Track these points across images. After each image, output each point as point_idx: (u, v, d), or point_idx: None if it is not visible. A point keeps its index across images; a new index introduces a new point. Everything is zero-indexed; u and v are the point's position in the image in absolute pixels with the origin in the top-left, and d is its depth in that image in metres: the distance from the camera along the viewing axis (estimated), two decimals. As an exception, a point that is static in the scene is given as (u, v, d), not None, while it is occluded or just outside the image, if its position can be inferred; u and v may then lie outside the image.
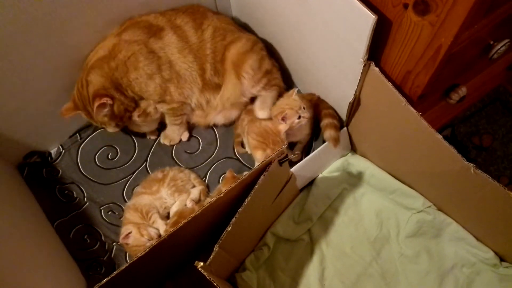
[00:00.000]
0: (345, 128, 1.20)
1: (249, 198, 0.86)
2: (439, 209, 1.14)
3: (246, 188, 0.89)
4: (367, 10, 0.79)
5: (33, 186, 1.25)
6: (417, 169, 1.07)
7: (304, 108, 1.13)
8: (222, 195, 0.84)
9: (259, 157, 1.14)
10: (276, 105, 1.19)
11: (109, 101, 1.06)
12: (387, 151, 1.13)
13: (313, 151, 1.17)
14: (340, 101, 1.12)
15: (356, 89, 0.99)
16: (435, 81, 0.87)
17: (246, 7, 1.31)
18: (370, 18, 0.79)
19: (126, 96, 1.11)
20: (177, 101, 1.18)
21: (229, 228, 0.84)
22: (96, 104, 1.05)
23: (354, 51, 0.90)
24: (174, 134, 1.31)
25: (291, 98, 1.15)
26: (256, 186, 0.87)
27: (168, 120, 1.27)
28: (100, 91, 1.06)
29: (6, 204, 1.09)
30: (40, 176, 1.27)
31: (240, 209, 0.86)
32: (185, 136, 1.33)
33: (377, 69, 0.91)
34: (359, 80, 0.96)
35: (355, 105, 1.08)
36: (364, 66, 0.91)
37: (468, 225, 1.11)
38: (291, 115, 1.12)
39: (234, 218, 0.85)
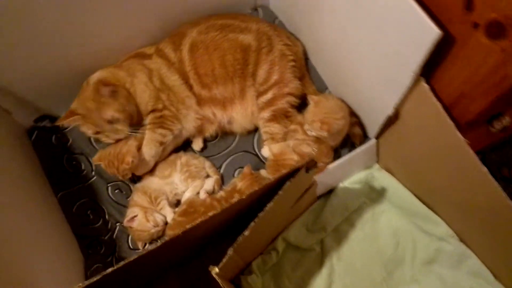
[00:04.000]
0: (374, 139, 1.14)
1: (271, 203, 0.81)
2: (460, 238, 1.09)
3: (267, 190, 0.84)
4: (432, 24, 0.73)
5: (40, 152, 1.20)
6: (448, 196, 1.01)
7: None
8: (244, 197, 0.79)
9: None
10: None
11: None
12: (417, 172, 1.07)
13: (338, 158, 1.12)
14: (376, 111, 1.06)
15: (399, 103, 0.93)
16: (491, 109, 0.81)
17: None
18: (434, 32, 0.73)
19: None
20: (169, 109, 1.15)
21: (246, 233, 0.80)
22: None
23: (406, 64, 0.84)
24: (150, 151, 1.14)
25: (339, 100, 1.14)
26: (280, 192, 0.82)
27: (150, 136, 1.14)
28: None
29: (9, 166, 1.04)
30: (49, 142, 1.21)
31: (260, 214, 0.81)
32: (198, 145, 1.25)
33: (427, 86, 0.85)
34: (404, 95, 0.90)
35: (392, 119, 1.02)
36: (414, 81, 0.85)
37: (487, 260, 1.06)
38: None
39: (252, 223, 0.80)
